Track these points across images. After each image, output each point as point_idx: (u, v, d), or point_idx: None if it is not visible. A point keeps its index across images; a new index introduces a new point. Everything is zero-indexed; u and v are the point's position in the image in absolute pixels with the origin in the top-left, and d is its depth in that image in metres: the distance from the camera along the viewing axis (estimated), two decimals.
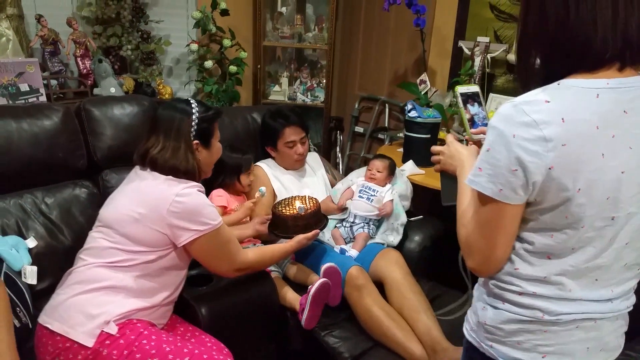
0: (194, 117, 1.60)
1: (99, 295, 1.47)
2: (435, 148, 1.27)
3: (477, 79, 2.81)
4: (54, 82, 2.81)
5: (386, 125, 3.46)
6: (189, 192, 1.51)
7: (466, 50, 2.88)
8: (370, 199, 2.26)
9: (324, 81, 3.53)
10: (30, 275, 1.71)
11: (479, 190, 0.96)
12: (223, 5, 3.06)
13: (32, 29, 2.82)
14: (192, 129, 1.59)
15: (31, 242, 1.80)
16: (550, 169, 0.89)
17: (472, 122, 1.25)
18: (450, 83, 3.00)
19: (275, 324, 1.90)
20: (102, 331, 1.41)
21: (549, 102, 0.90)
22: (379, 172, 2.34)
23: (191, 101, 1.63)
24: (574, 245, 0.97)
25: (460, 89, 1.27)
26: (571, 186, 0.91)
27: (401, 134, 3.08)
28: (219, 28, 3.12)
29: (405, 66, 3.35)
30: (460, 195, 1.11)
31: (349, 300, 1.90)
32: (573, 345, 1.03)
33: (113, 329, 1.42)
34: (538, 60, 0.99)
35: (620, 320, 1.08)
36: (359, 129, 3.66)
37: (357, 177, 2.44)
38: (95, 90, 2.88)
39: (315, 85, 3.58)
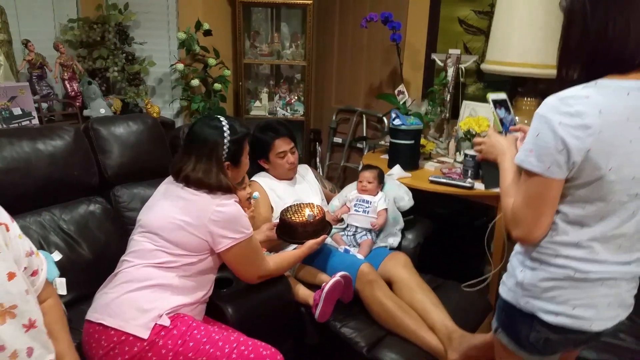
0: (225, 140, 1.71)
1: (148, 292, 1.57)
2: (477, 140, 1.47)
3: (450, 88, 3.04)
4: (44, 105, 2.85)
5: (364, 134, 3.65)
6: (228, 202, 1.65)
7: (439, 62, 3.11)
8: (366, 211, 2.42)
9: (303, 96, 3.69)
10: (60, 286, 1.77)
11: (529, 168, 1.15)
12: (206, 26, 3.19)
13: (18, 54, 2.85)
14: (224, 152, 1.71)
15: (56, 256, 1.86)
16: (588, 150, 1.09)
17: (502, 123, 1.48)
18: (426, 92, 3.22)
19: (292, 319, 2.02)
20: (156, 324, 1.52)
21: (588, 97, 1.10)
22: (369, 182, 2.48)
23: (222, 120, 1.74)
24: (603, 215, 1.17)
25: (492, 96, 1.51)
26: (604, 165, 1.11)
27: (382, 142, 3.27)
28: (203, 47, 3.23)
29: (380, 79, 3.56)
30: (503, 177, 1.32)
31: (361, 295, 2.04)
32: (598, 299, 1.22)
33: (166, 322, 1.53)
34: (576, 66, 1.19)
35: (634, 282, 1.28)
36: (337, 139, 3.83)
37: (349, 191, 2.59)
38: (85, 112, 2.93)
39: (294, 99, 3.73)
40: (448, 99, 3.06)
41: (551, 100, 1.13)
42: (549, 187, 1.15)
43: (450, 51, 3.05)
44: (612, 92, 1.11)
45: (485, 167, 1.51)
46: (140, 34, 3.23)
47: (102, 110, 2.93)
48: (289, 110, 3.71)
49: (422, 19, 3.25)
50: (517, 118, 1.51)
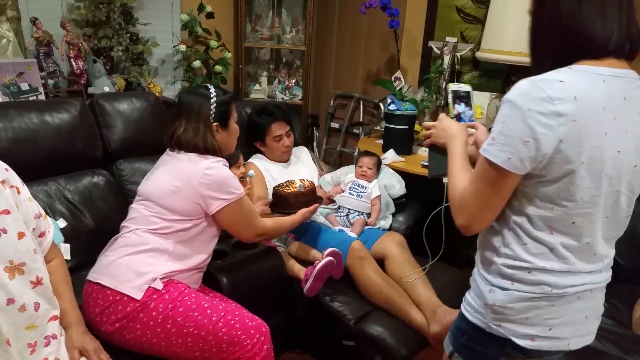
0: (212, 100, 1.79)
1: (144, 257, 1.66)
2: (427, 124, 1.36)
3: (446, 75, 3.11)
4: (50, 81, 2.92)
5: (361, 120, 3.73)
6: (216, 165, 1.72)
7: (436, 50, 3.19)
8: (360, 196, 2.50)
9: (302, 80, 3.76)
10: (65, 252, 1.87)
11: (489, 158, 1.04)
12: (209, 9, 3.25)
13: (27, 31, 2.92)
14: (212, 112, 1.79)
15: (62, 223, 1.95)
16: (560, 141, 0.99)
17: (459, 119, 1.36)
18: (423, 79, 3.30)
19: (283, 292, 2.12)
20: (150, 287, 1.61)
21: (563, 82, 0.99)
22: (369, 169, 2.56)
23: (209, 87, 1.82)
24: (573, 218, 1.06)
25: (453, 86, 1.38)
26: (576, 159, 1.00)
27: (378, 127, 3.35)
28: (205, 30, 3.30)
29: (378, 65, 3.63)
30: (452, 162, 1.22)
31: (351, 270, 2.14)
32: (575, 315, 1.14)
33: (159, 285, 1.62)
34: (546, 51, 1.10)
35: (604, 288, 1.20)
36: (334, 124, 3.91)
37: (345, 174, 2.67)
38: (90, 90, 3.01)
39: (292, 84, 3.81)
40: (444, 87, 3.13)
41: (522, 84, 1.02)
42: (503, 181, 1.05)
43: (447, 39, 3.12)
44: (588, 78, 1.02)
45: (432, 154, 1.37)
46: (144, 15, 3.29)
47: (106, 88, 3.00)
48: (287, 95, 3.78)
49: (420, 6, 3.32)
50: (474, 115, 1.39)
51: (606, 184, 1.05)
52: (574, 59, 1.05)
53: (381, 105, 3.52)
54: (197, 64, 3.27)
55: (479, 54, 2.87)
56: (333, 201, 2.58)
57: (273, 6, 3.73)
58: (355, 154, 3.66)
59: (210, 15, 3.27)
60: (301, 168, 2.70)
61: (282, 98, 3.75)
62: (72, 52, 3.01)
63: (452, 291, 2.22)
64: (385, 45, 3.53)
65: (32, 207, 1.43)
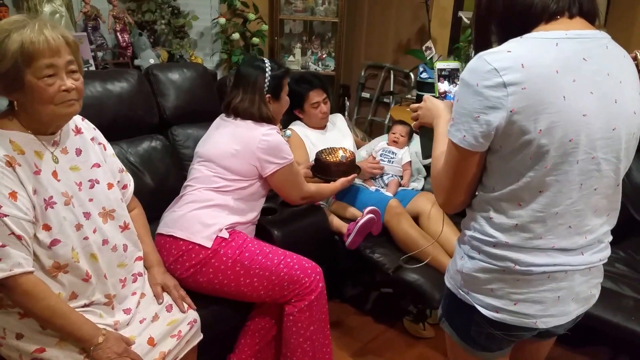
0: (267, 74, 1.97)
1: (210, 210, 1.87)
2: (413, 106, 1.34)
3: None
4: (99, 54, 3.11)
5: (392, 89, 3.86)
6: (271, 132, 1.91)
7: (465, 20, 3.29)
8: (391, 161, 2.66)
9: (334, 51, 3.89)
10: None
11: (450, 138, 1.05)
12: None
13: (76, 6, 3.10)
14: (265, 85, 1.97)
15: None
16: (511, 111, 0.96)
17: (445, 98, 1.33)
18: (452, 48, 3.41)
19: (326, 244, 2.31)
20: (218, 236, 1.82)
21: (510, 52, 0.97)
22: (402, 136, 2.71)
23: (265, 60, 2.00)
24: (540, 187, 1.02)
25: (439, 65, 1.34)
26: (532, 128, 0.97)
27: (409, 96, 3.49)
28: (244, 3, 3.45)
29: (408, 35, 3.74)
30: (436, 142, 1.20)
31: (389, 225, 2.31)
32: (544, 294, 1.10)
33: (226, 234, 1.83)
34: (494, 29, 1.09)
35: (593, 273, 1.14)
36: (365, 94, 4.05)
37: (378, 143, 2.82)
38: (136, 62, 3.19)
39: (325, 55, 3.94)
40: (472, 55, 3.23)
41: (472, 61, 1.01)
42: (465, 160, 1.05)
43: None
44: (538, 43, 0.98)
45: (423, 138, 1.36)
46: None
47: (151, 60, 3.17)
48: (320, 65, 3.92)
49: None
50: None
51: (575, 151, 1.00)
52: (524, 30, 1.02)
53: (411, 74, 3.64)
54: (235, 36, 3.43)
55: None
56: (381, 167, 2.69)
57: None
58: (387, 122, 3.81)
59: None
60: (338, 135, 2.85)
61: (316, 69, 3.89)
62: (118, 25, 3.18)
63: None
64: (415, 15, 3.63)
65: (116, 162, 1.63)
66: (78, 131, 1.52)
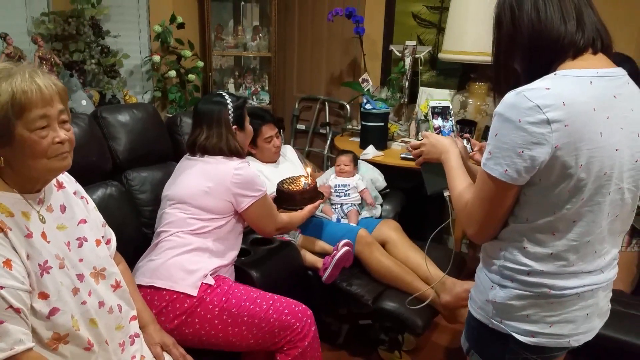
0: (229, 107, 1.96)
1: (190, 256, 1.79)
2: (414, 143, 1.40)
3: (408, 76, 3.39)
4: None
5: (327, 120, 3.93)
6: (243, 165, 1.89)
7: (397, 53, 3.45)
8: (347, 194, 2.72)
9: (267, 85, 3.90)
10: None
11: (488, 171, 1.07)
12: (180, 19, 3.32)
13: None
14: (230, 117, 1.96)
15: None
16: (555, 147, 0.99)
17: (440, 132, 1.42)
18: (386, 80, 3.56)
19: (302, 281, 2.28)
20: (203, 283, 1.74)
21: (549, 89, 1.00)
22: (346, 165, 2.78)
23: (223, 94, 2.00)
24: (575, 218, 1.07)
25: (432, 103, 1.44)
26: (574, 163, 1.01)
27: (350, 126, 3.58)
28: (178, 40, 3.37)
29: (340, 68, 3.85)
30: (452, 176, 1.24)
31: (361, 256, 2.33)
32: (575, 313, 1.15)
33: (211, 281, 1.76)
34: (518, 64, 1.12)
35: (609, 287, 1.22)
36: (301, 126, 4.09)
37: (329, 176, 2.86)
38: (68, 104, 2.99)
39: (259, 89, 3.94)
40: (406, 86, 3.41)
41: (509, 96, 1.03)
42: (504, 193, 1.08)
43: (407, 43, 3.40)
44: (574, 81, 1.03)
45: (426, 171, 1.40)
46: (111, 27, 3.29)
47: (84, 102, 2.99)
48: (255, 100, 3.91)
49: (378, 13, 3.57)
50: (455, 124, 1.45)
51: (608, 183, 1.05)
52: (551, 64, 1.07)
53: (347, 105, 3.74)
54: (172, 73, 3.33)
55: (441, 55, 3.16)
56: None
57: (235, 15, 3.85)
58: (325, 152, 3.87)
59: (181, 26, 3.34)
60: (290, 166, 2.86)
61: (251, 103, 3.87)
62: (45, 67, 2.98)
63: (447, 266, 2.48)
64: (345, 49, 3.76)
65: (99, 216, 1.52)
66: (60, 185, 1.40)
